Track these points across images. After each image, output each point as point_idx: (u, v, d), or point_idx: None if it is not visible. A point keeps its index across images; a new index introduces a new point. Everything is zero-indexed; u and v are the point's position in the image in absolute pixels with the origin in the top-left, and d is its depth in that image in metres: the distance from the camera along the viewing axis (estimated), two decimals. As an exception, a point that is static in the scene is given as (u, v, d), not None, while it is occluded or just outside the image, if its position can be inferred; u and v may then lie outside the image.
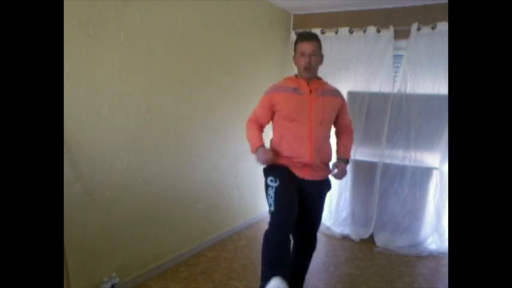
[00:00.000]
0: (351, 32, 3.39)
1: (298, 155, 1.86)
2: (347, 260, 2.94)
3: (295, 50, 1.91)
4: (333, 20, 3.51)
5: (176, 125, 2.54)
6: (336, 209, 3.57)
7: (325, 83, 1.98)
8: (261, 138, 1.95)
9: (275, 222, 1.73)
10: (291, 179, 1.87)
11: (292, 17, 3.75)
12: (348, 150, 2.07)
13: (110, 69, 2.01)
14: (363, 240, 3.31)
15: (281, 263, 1.67)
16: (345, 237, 3.38)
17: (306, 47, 1.83)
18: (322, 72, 3.57)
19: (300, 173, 1.91)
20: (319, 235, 3.38)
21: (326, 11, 3.57)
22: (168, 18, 2.33)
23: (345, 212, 3.53)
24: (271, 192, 1.81)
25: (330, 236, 3.41)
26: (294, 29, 3.71)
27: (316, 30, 3.52)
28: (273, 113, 1.96)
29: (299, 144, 1.86)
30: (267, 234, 1.72)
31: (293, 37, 3.67)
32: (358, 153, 3.44)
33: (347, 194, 3.53)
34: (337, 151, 2.08)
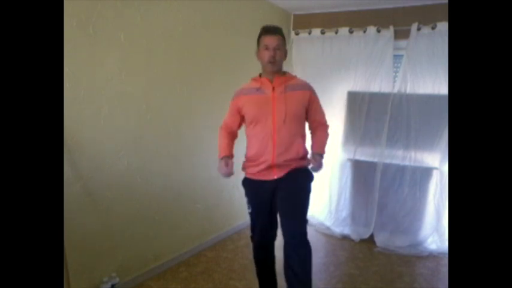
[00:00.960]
0: (351, 32, 3.39)
1: (263, 157, 1.84)
2: (347, 260, 2.94)
3: (258, 43, 1.84)
4: (333, 20, 3.51)
5: (176, 125, 2.54)
6: (336, 209, 3.56)
7: (292, 77, 1.91)
8: (228, 147, 1.94)
9: (254, 244, 2.06)
10: (262, 205, 1.94)
11: (292, 17, 3.75)
12: (322, 145, 2.00)
13: (110, 69, 2.01)
14: (363, 240, 3.31)
15: (267, 280, 2.12)
16: (345, 237, 3.38)
17: (270, 40, 1.77)
18: (323, 72, 3.54)
19: (270, 176, 1.86)
20: (319, 235, 3.42)
21: (326, 11, 3.57)
22: (168, 18, 2.33)
23: (345, 212, 3.53)
24: (248, 211, 2.02)
25: (330, 236, 3.41)
26: (294, 29, 3.71)
27: (316, 30, 3.53)
28: (242, 117, 1.92)
29: (263, 145, 1.83)
30: (253, 255, 2.09)
31: (293, 37, 3.67)
32: (358, 153, 3.44)
33: (347, 194, 3.53)
34: (311, 147, 2.01)
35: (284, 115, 1.80)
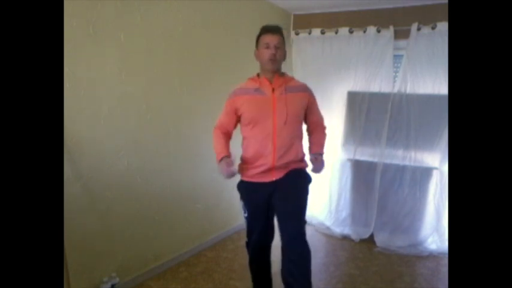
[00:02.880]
0: (351, 32, 3.39)
1: (262, 159, 1.81)
2: (347, 260, 2.94)
3: (258, 43, 1.82)
4: (333, 20, 3.51)
5: (176, 125, 2.54)
6: (336, 209, 3.56)
7: (291, 79, 1.89)
8: (226, 148, 1.88)
9: (250, 248, 2.03)
10: (258, 209, 1.89)
11: (292, 17, 3.75)
12: (321, 145, 1.98)
13: (110, 69, 2.01)
14: (363, 240, 3.31)
15: (262, 284, 2.12)
16: (345, 237, 3.38)
17: (271, 38, 1.75)
18: (323, 72, 3.54)
19: (268, 178, 1.84)
20: (319, 235, 3.42)
21: (326, 11, 3.56)
22: (168, 18, 2.33)
23: (345, 212, 3.53)
24: (244, 216, 1.98)
25: (330, 236, 3.41)
26: (294, 29, 3.71)
27: (316, 30, 3.53)
28: (238, 117, 1.88)
29: (263, 148, 1.80)
30: (249, 264, 2.09)
31: (293, 37, 3.67)
32: (358, 153, 3.44)
33: (347, 194, 3.53)
34: (309, 149, 1.99)
35: (285, 117, 1.77)
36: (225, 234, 3.21)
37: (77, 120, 1.88)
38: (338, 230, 3.46)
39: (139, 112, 2.24)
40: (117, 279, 2.16)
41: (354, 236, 3.35)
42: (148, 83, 2.28)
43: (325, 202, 3.64)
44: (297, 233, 1.79)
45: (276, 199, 1.84)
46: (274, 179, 1.84)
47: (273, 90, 1.80)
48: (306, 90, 1.90)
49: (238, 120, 1.91)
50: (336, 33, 3.46)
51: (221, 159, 1.83)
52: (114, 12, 1.98)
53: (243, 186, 1.95)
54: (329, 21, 3.53)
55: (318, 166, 1.91)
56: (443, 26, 2.98)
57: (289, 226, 1.80)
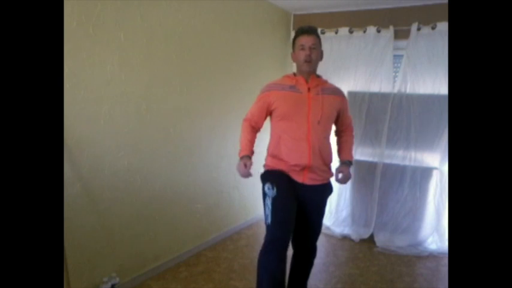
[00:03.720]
0: (351, 32, 3.39)
1: (296, 157, 1.77)
2: (347, 260, 2.94)
3: (294, 45, 1.84)
4: (333, 20, 3.51)
5: (176, 125, 2.54)
6: (336, 209, 3.56)
7: (325, 81, 1.91)
8: (250, 145, 1.85)
9: (269, 241, 1.70)
10: (289, 187, 1.78)
11: (292, 17, 3.75)
12: (350, 151, 2.01)
13: (110, 69, 2.01)
14: (363, 240, 3.31)
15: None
16: (345, 237, 3.38)
17: (306, 40, 1.78)
18: (323, 72, 3.58)
19: (299, 178, 1.81)
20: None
21: (326, 11, 3.57)
22: (168, 18, 2.33)
23: (345, 212, 3.53)
24: (269, 202, 1.74)
25: (330, 236, 3.41)
26: (294, 29, 3.70)
27: (316, 30, 3.53)
28: (269, 112, 1.86)
29: (297, 145, 1.77)
30: (261, 258, 1.72)
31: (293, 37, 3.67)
32: (358, 153, 3.44)
33: (347, 194, 3.52)
34: (339, 152, 2.02)
35: (319, 117, 1.78)
36: (225, 234, 3.21)
37: (77, 120, 1.88)
38: (338, 230, 3.46)
39: (139, 112, 2.24)
40: (117, 279, 2.16)
41: (354, 236, 3.35)
42: (148, 83, 2.28)
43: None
44: (312, 248, 2.01)
45: (300, 213, 1.83)
46: (305, 182, 1.81)
47: (309, 89, 1.80)
48: (340, 94, 1.93)
49: (267, 115, 1.89)
50: (336, 33, 3.46)
51: (241, 158, 1.80)
52: (114, 12, 1.98)
53: (271, 170, 1.85)
54: (329, 21, 3.53)
55: (344, 179, 1.93)
56: (443, 26, 2.98)
57: (308, 242, 1.97)
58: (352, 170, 3.41)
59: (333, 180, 1.96)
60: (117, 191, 2.17)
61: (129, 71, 2.13)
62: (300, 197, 1.82)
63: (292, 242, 1.84)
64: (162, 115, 2.41)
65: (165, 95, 2.42)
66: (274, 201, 1.72)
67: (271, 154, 1.85)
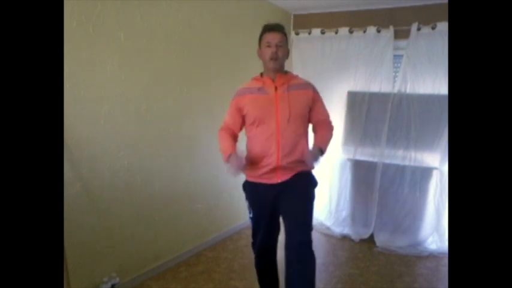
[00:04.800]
0: (351, 32, 3.39)
1: (267, 158, 1.77)
2: (347, 260, 2.94)
3: (260, 42, 1.80)
4: (333, 20, 3.51)
5: (176, 125, 2.54)
6: (336, 209, 3.56)
7: (294, 77, 1.86)
8: (232, 146, 1.82)
9: (253, 247, 2.01)
10: (265, 209, 1.87)
11: (292, 17, 3.75)
12: (323, 140, 1.87)
13: (110, 69, 2.01)
14: (363, 240, 3.31)
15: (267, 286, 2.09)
16: (345, 237, 3.38)
17: (273, 37, 1.74)
18: (323, 72, 3.54)
19: (273, 179, 1.80)
20: (319, 235, 3.42)
21: (326, 11, 3.57)
22: (168, 18, 2.33)
23: (345, 212, 3.53)
24: (249, 216, 1.97)
25: (330, 236, 3.41)
26: (294, 29, 3.71)
27: (316, 30, 3.53)
28: (243, 117, 1.85)
29: (267, 146, 1.76)
30: (255, 264, 2.06)
31: (293, 37, 3.67)
32: (358, 153, 3.44)
33: (347, 194, 3.52)
34: (314, 143, 1.88)
35: (288, 115, 1.75)
36: (225, 234, 3.21)
37: (77, 120, 1.88)
38: (338, 230, 3.46)
39: (139, 112, 2.24)
40: (117, 279, 2.16)
41: (354, 236, 3.35)
42: (148, 83, 2.28)
43: (325, 202, 3.64)
44: (303, 241, 1.76)
45: (282, 205, 1.82)
46: (279, 181, 1.80)
47: (276, 88, 1.78)
48: (308, 88, 1.85)
49: (243, 120, 1.87)
50: (336, 33, 3.45)
51: (228, 157, 1.76)
52: (114, 12, 1.98)
53: (248, 187, 1.92)
54: (329, 21, 3.53)
55: (312, 159, 1.78)
56: (443, 26, 2.98)
57: (296, 235, 1.77)
58: (352, 170, 3.47)
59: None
60: (117, 191, 2.17)
61: (129, 71, 2.13)
62: (280, 195, 1.81)
63: (287, 242, 1.78)
64: (162, 115, 2.41)
65: (165, 95, 2.42)
66: (252, 219, 1.94)
67: (247, 158, 1.81)
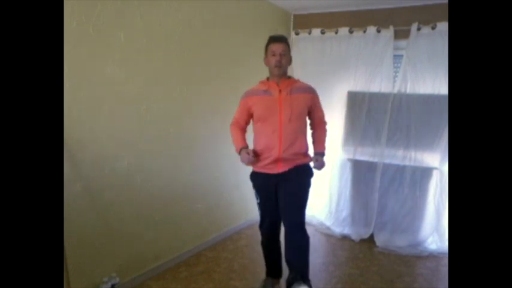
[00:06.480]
0: (350, 32, 3.39)
1: (270, 151, 2.03)
2: (347, 260, 2.94)
3: (266, 51, 2.07)
4: (333, 20, 3.51)
5: (176, 125, 2.54)
6: (336, 209, 3.56)
7: (296, 81, 2.13)
8: (244, 140, 2.15)
9: (260, 225, 2.28)
10: (269, 196, 2.13)
11: (292, 17, 3.75)
12: (321, 144, 2.22)
13: (110, 69, 2.01)
14: (363, 240, 3.31)
15: (272, 263, 2.37)
16: (345, 237, 3.38)
17: (277, 47, 2.00)
18: (323, 72, 3.57)
19: (275, 169, 2.06)
20: (319, 235, 3.43)
21: (326, 11, 3.56)
22: (168, 18, 2.33)
23: (345, 212, 3.52)
24: (256, 202, 2.23)
25: (330, 236, 3.41)
26: (294, 29, 3.70)
27: (316, 30, 3.53)
28: (251, 115, 2.13)
29: (271, 140, 2.03)
30: (261, 242, 2.33)
31: (293, 37, 3.67)
32: (358, 153, 3.44)
33: (347, 194, 3.52)
34: (313, 145, 2.23)
35: (290, 114, 2.01)
36: (225, 234, 3.21)
37: (77, 120, 1.88)
38: (338, 230, 3.46)
39: (139, 112, 2.24)
40: (117, 279, 2.16)
41: (354, 236, 3.35)
42: (148, 83, 2.28)
43: (325, 202, 3.64)
44: (296, 221, 2.08)
45: (281, 191, 2.09)
46: (280, 171, 2.06)
47: (280, 91, 2.03)
48: (309, 91, 2.13)
49: (250, 117, 2.16)
50: (336, 33, 3.45)
51: (241, 150, 2.09)
52: (114, 12, 1.98)
53: (254, 176, 2.19)
54: (329, 21, 3.52)
55: (318, 166, 2.17)
56: (443, 26, 2.98)
57: (290, 216, 2.08)
58: (352, 170, 3.47)
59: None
60: (117, 191, 2.17)
61: (129, 71, 2.13)
62: (280, 183, 2.08)
63: (283, 223, 2.11)
64: (162, 115, 2.41)
65: (165, 95, 2.42)
66: (259, 205, 2.23)
67: (253, 151, 2.11)
